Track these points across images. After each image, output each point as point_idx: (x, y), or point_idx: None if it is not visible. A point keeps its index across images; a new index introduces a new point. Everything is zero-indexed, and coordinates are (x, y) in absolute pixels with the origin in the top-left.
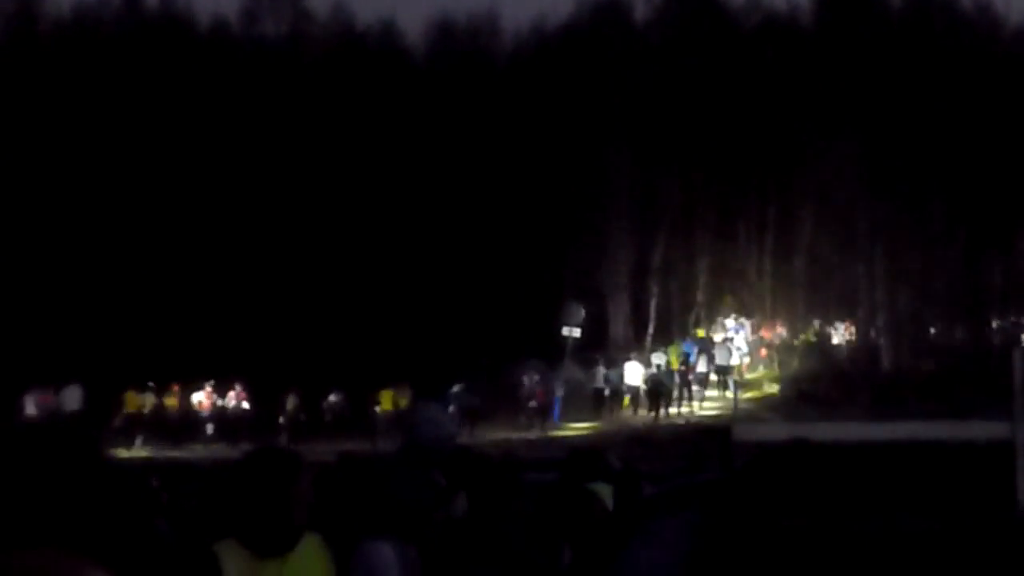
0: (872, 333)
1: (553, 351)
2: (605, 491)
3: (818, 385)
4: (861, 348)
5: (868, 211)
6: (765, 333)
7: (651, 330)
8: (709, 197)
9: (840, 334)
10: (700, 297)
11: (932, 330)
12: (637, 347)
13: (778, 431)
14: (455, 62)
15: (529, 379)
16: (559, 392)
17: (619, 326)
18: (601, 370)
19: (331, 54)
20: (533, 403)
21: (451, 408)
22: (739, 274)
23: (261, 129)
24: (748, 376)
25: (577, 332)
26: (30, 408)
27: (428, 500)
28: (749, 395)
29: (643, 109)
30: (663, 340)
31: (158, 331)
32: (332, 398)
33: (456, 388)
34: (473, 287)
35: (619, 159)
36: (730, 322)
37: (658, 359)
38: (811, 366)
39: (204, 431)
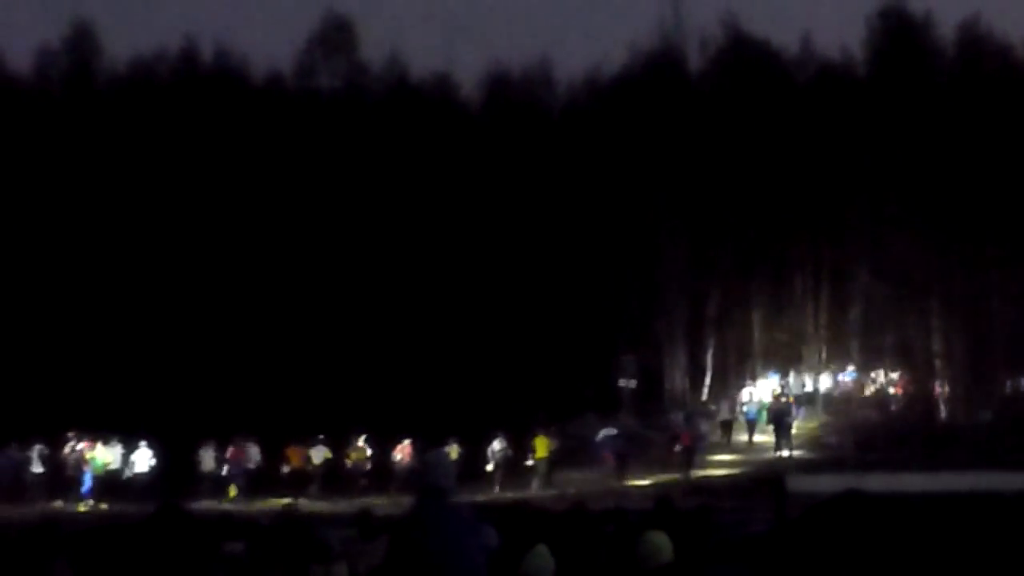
0: (928, 383)
1: (610, 403)
2: (664, 540)
3: (875, 435)
4: (918, 398)
5: (923, 261)
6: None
7: (708, 381)
8: (764, 248)
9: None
10: (756, 348)
11: (989, 380)
12: (694, 398)
13: (832, 481)
14: (509, 113)
15: (676, 421)
16: (704, 433)
17: (676, 378)
18: (726, 403)
19: (386, 106)
20: (679, 446)
21: (603, 452)
22: (795, 325)
23: (319, 181)
24: (804, 424)
25: (633, 384)
26: (207, 461)
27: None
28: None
29: (697, 159)
30: (720, 391)
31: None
32: (496, 446)
33: (605, 433)
34: (530, 340)
35: (674, 210)
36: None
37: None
38: (868, 416)
39: (359, 484)
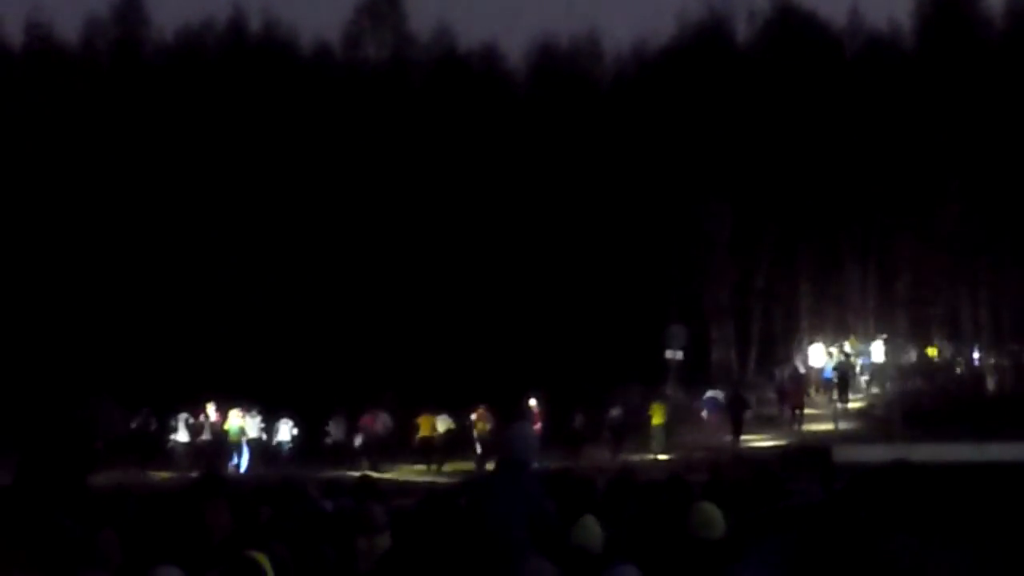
0: (976, 354)
1: (656, 374)
2: (715, 512)
3: (922, 406)
4: (965, 369)
5: (971, 233)
6: None
7: (754, 353)
8: (812, 219)
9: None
10: (803, 320)
11: None
12: (740, 370)
13: (878, 452)
14: (557, 85)
15: (780, 374)
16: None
17: (722, 349)
18: (800, 360)
19: (433, 77)
20: (786, 406)
21: (704, 412)
22: (842, 296)
23: (366, 152)
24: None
25: (680, 355)
26: (337, 431)
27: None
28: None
29: (745, 131)
30: (767, 363)
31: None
32: (614, 412)
33: (710, 393)
34: (577, 310)
35: (720, 181)
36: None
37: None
38: (915, 387)
39: (475, 451)
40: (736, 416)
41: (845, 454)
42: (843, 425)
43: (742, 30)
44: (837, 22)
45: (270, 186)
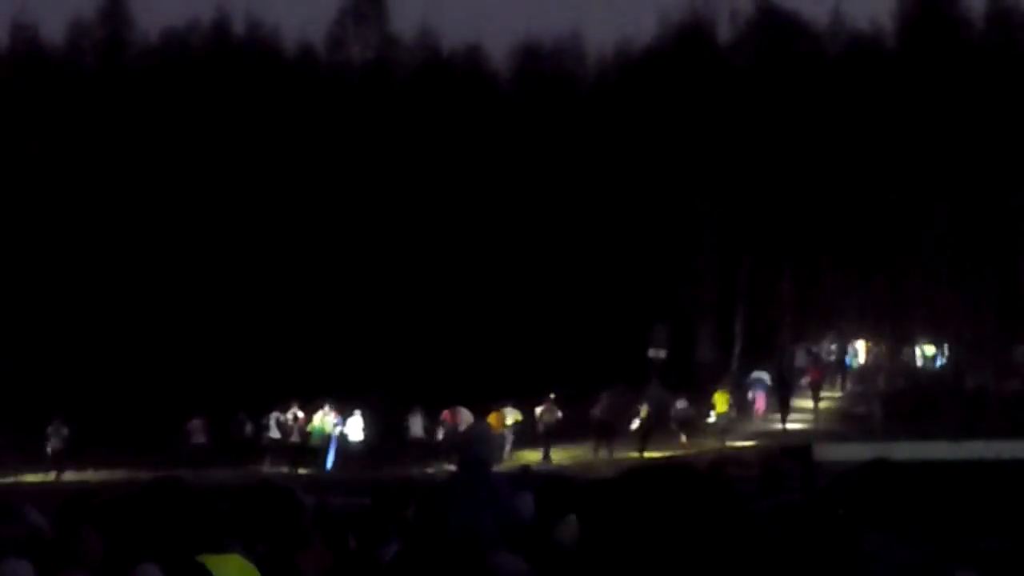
0: (956, 352)
1: (639, 372)
2: None
3: (902, 404)
4: (945, 367)
5: (953, 231)
6: None
7: (737, 351)
8: (794, 218)
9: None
10: (787, 318)
11: (1018, 349)
12: (724, 369)
13: (860, 450)
14: (540, 85)
15: (803, 356)
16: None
17: (705, 348)
18: (800, 352)
19: (417, 78)
20: (805, 380)
21: (751, 394)
22: (825, 295)
23: (350, 153)
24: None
25: (663, 353)
26: (416, 428)
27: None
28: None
29: (728, 131)
30: (750, 361)
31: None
32: (679, 405)
33: (756, 374)
34: (559, 309)
35: (704, 180)
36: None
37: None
38: (895, 385)
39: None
40: (784, 400)
41: (826, 453)
42: (824, 404)
43: (724, 30)
44: (819, 22)
45: (257, 187)
